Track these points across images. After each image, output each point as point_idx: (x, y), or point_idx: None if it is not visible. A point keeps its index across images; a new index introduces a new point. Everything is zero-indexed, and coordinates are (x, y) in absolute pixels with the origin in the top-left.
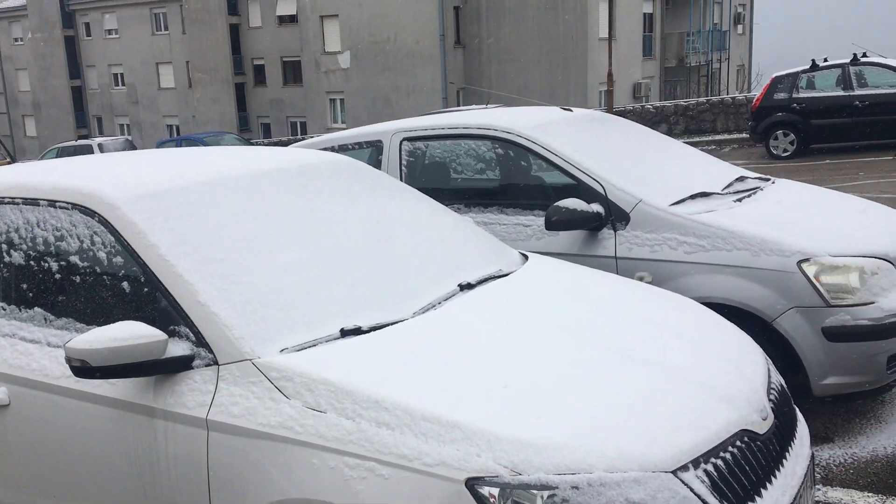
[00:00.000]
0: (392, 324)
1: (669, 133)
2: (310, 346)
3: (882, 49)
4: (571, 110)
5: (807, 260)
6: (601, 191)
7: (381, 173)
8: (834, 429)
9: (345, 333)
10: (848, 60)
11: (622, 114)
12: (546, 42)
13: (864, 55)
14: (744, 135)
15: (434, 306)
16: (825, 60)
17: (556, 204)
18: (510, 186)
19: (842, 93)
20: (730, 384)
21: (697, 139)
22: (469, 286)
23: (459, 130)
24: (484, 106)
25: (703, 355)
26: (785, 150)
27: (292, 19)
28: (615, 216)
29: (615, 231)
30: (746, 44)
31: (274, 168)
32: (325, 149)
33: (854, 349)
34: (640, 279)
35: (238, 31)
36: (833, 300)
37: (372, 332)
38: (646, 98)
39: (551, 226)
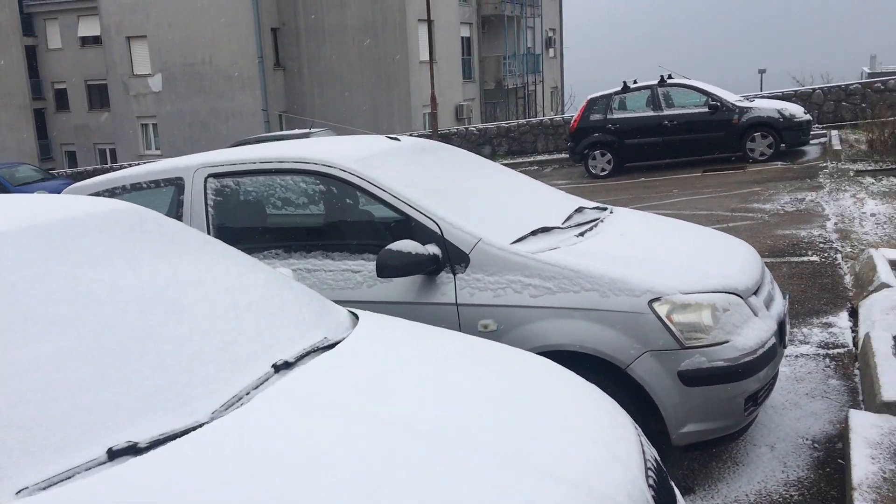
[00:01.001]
0: (183, 433)
1: (493, 155)
2: (61, 481)
3: (683, 70)
4: (399, 139)
5: (658, 299)
6: (437, 230)
7: (173, 223)
8: (693, 477)
9: (113, 455)
10: (656, 82)
11: (447, 137)
12: (368, 64)
13: (670, 76)
14: (563, 155)
15: (241, 400)
16: (635, 82)
17: (387, 247)
18: (335, 227)
19: (652, 113)
20: (606, 477)
21: (520, 160)
22: (286, 365)
23: (274, 165)
24: (307, 131)
25: (570, 439)
26: (603, 170)
27: (96, 40)
28: (453, 258)
29: (454, 275)
30: (558, 67)
31: (21, 226)
32: (111, 191)
33: (711, 393)
34: (485, 327)
35: (35, 53)
36: (687, 341)
37: (152, 451)
38: (468, 120)
39: (383, 272)
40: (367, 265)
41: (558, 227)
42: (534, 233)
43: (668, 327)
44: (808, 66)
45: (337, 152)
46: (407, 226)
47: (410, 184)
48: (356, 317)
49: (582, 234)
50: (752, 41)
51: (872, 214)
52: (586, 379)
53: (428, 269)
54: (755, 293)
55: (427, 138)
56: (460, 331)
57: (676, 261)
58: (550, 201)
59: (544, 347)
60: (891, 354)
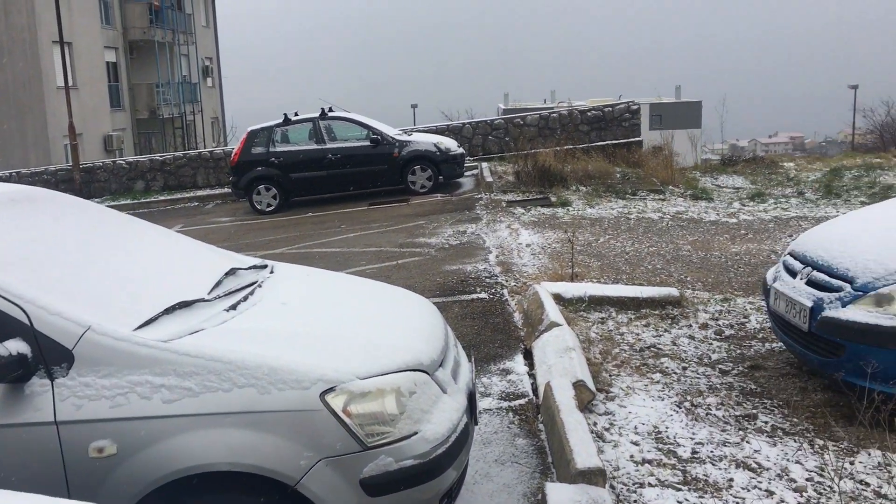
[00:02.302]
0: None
1: (147, 190)
2: None
3: (346, 103)
4: None
5: (331, 389)
6: (23, 318)
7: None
8: None
9: None
10: (317, 115)
11: (91, 171)
12: None
13: (331, 109)
14: (227, 189)
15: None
16: (296, 114)
17: None
18: None
19: (315, 146)
20: None
21: (179, 196)
22: None
23: None
24: None
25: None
26: (269, 205)
27: None
28: (50, 357)
29: (52, 380)
30: (217, 96)
31: None
32: None
33: (401, 500)
34: (99, 452)
35: None
36: (370, 439)
37: None
38: (119, 152)
39: None
40: None
41: (203, 300)
42: (169, 310)
43: (345, 424)
44: (454, 102)
45: None
46: None
47: None
48: None
49: (234, 307)
50: (405, 77)
51: (528, 245)
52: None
53: (9, 375)
54: (441, 364)
55: (67, 173)
56: (63, 460)
57: (352, 334)
58: (195, 262)
59: (183, 472)
60: (574, 407)
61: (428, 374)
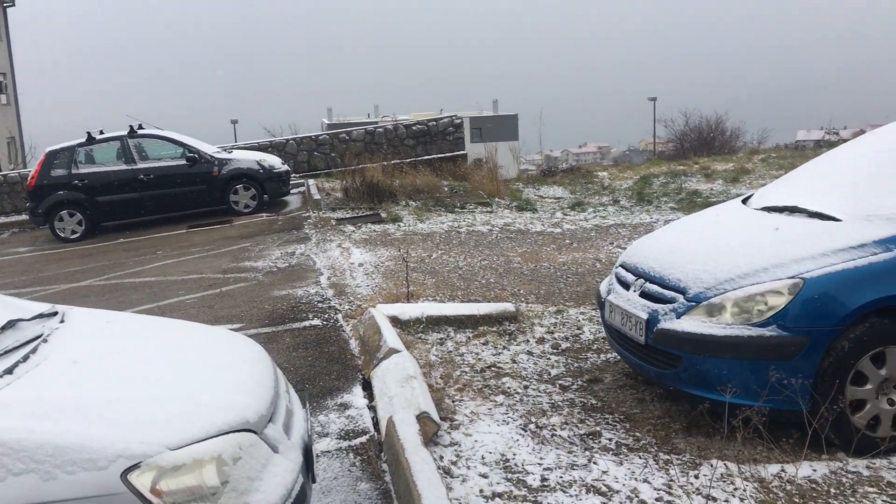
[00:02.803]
0: None
1: None
2: None
3: (159, 120)
4: None
5: (136, 466)
6: None
7: None
8: None
9: None
10: (126, 133)
11: None
12: None
13: (141, 126)
14: (25, 216)
15: None
16: (101, 133)
17: None
18: None
19: (125, 166)
20: None
21: None
22: None
23: None
24: None
25: None
26: (73, 232)
27: None
28: None
29: None
30: (14, 114)
31: None
32: None
33: None
34: None
35: None
36: None
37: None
38: None
39: None
40: None
41: None
42: None
43: None
44: (277, 118)
45: None
46: None
47: None
48: None
49: (10, 371)
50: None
51: (360, 264)
52: None
53: None
54: (271, 419)
55: None
56: None
57: (161, 394)
58: None
59: None
60: (419, 444)
61: (255, 433)
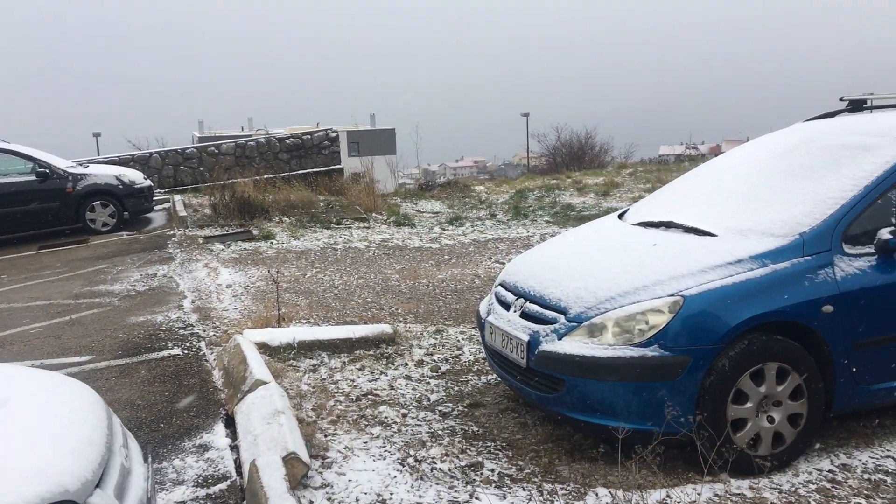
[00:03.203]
0: None
1: None
2: None
3: (5, 133)
4: None
5: None
6: None
7: None
8: None
9: None
10: None
11: None
12: None
13: None
14: None
15: None
16: None
17: None
18: None
19: None
20: None
21: None
22: None
23: None
24: None
25: None
26: None
27: None
28: None
29: None
30: None
31: None
32: None
33: None
34: None
35: None
36: None
37: None
38: None
39: None
40: None
41: None
42: None
43: None
44: (143, 130)
45: None
46: None
47: None
48: None
49: None
50: (84, 103)
51: (229, 286)
52: None
53: None
54: (100, 483)
55: None
56: None
57: None
58: None
59: None
60: (285, 490)
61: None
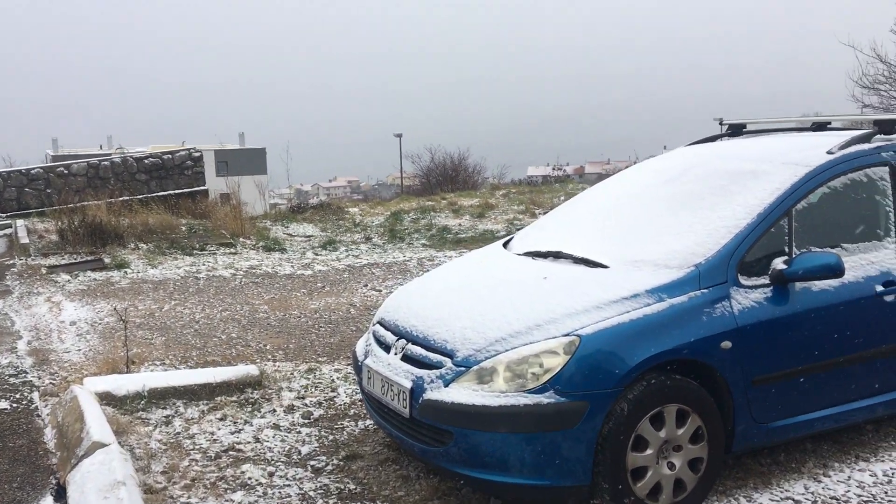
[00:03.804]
0: None
1: None
2: None
3: None
4: None
5: None
6: None
7: None
8: None
9: None
10: None
11: None
12: None
13: None
14: None
15: None
16: None
17: None
18: None
19: None
20: None
21: None
22: None
23: None
24: None
25: None
26: None
27: None
28: None
29: None
30: None
31: None
32: None
33: None
34: None
35: None
36: None
37: None
38: None
39: None
40: None
41: None
42: None
43: None
44: None
45: None
46: None
47: None
48: None
49: None
50: None
51: (73, 322)
52: None
53: None
54: None
55: None
56: None
57: None
58: None
59: None
60: None
61: None
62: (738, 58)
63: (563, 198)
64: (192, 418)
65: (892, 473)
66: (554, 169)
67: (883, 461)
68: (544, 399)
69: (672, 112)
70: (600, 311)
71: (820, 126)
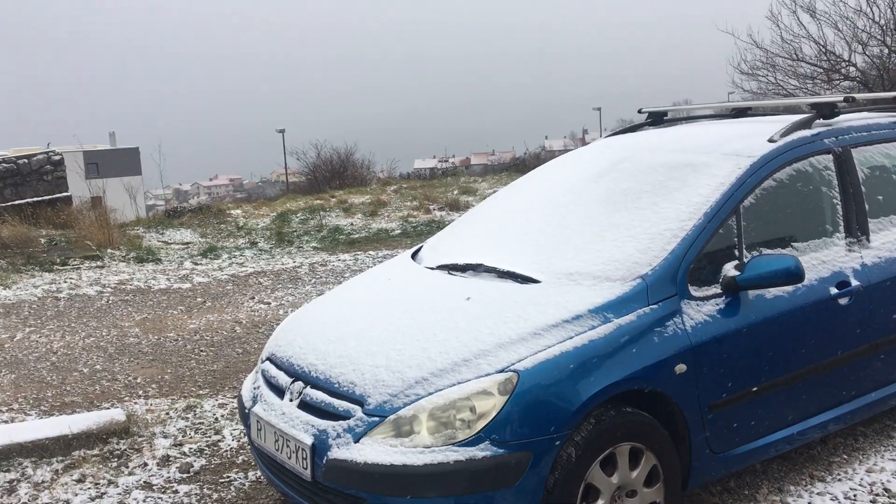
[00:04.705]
0: None
1: None
2: None
3: None
4: None
5: None
6: None
7: None
8: None
9: None
10: None
11: None
12: None
13: None
14: None
15: None
16: None
17: None
18: None
19: None
20: None
21: None
22: None
23: None
24: None
25: None
26: None
27: None
28: None
29: None
30: None
31: None
32: None
33: None
34: None
35: None
36: None
37: None
38: None
39: None
40: None
41: None
42: None
43: None
44: None
45: None
46: None
47: None
48: None
49: None
50: None
51: None
52: None
53: None
54: None
55: None
56: None
57: None
58: None
59: None
60: None
61: None
62: (619, 44)
63: (456, 192)
64: (43, 482)
65: (854, 495)
66: (440, 161)
67: (840, 480)
68: (479, 452)
69: (553, 99)
70: (538, 338)
71: (740, 112)
